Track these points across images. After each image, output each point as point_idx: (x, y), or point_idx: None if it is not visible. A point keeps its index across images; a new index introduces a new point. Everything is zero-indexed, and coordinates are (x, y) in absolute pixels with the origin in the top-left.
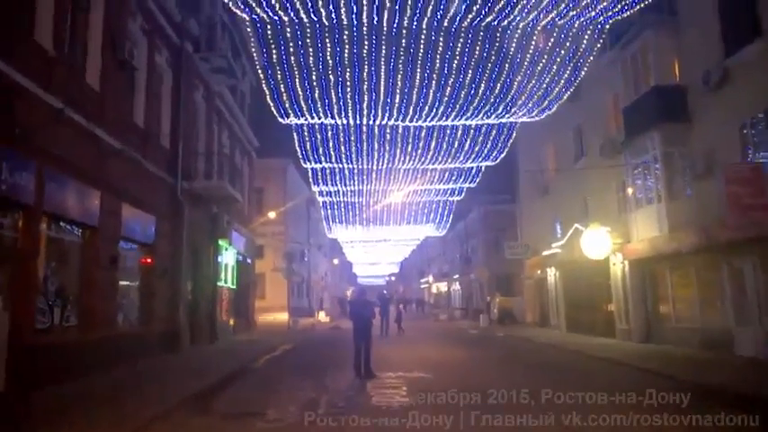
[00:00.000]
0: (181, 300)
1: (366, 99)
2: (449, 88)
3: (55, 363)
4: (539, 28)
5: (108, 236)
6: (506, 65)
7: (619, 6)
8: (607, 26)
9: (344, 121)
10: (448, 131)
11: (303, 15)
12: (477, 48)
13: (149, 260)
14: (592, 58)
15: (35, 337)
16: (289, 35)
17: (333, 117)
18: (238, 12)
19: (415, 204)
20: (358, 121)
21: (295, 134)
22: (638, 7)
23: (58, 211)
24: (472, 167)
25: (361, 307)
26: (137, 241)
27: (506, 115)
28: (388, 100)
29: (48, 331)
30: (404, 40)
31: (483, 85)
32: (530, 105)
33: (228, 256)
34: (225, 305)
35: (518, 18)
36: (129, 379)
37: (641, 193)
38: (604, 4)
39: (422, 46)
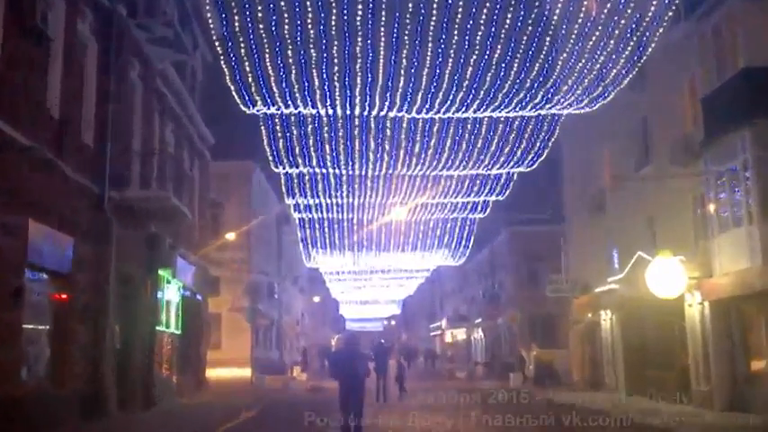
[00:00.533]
0: (106, 349)
1: (359, 82)
2: (470, 68)
3: None
4: None
5: (8, 262)
6: (547, 38)
7: None
8: None
9: (330, 112)
10: (468, 126)
11: None
12: (509, 16)
13: (65, 296)
14: (661, 30)
15: None
16: None
17: (314, 106)
18: None
19: (424, 224)
20: (348, 112)
21: (264, 128)
22: None
23: None
24: (500, 175)
25: (348, 361)
26: (48, 270)
27: (547, 105)
28: (390, 83)
29: None
30: (410, 4)
31: (516, 64)
32: (578, 93)
33: (172, 292)
34: (166, 357)
35: None
36: None
37: (726, 212)
38: None
39: (434, 11)
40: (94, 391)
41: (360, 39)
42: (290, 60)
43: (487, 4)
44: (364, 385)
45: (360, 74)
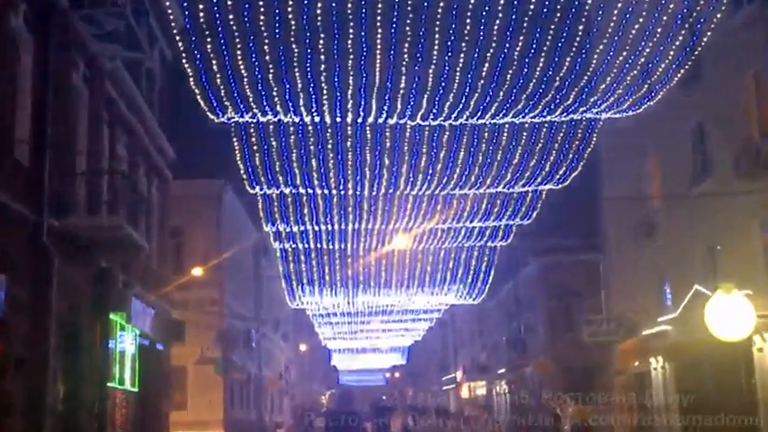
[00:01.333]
0: (47, 411)
1: (352, 83)
2: (487, 65)
3: None
4: None
5: None
6: (581, 27)
7: None
8: None
9: (317, 119)
10: (485, 135)
11: None
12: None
13: None
14: (718, 17)
15: None
16: None
17: (297, 112)
18: None
19: (434, 255)
20: (339, 119)
21: (236, 140)
22: None
23: None
24: (526, 194)
25: (343, 423)
26: None
27: (581, 109)
28: (389, 84)
29: None
30: None
31: (542, 59)
32: (619, 93)
33: (126, 340)
34: (120, 420)
35: None
36: None
37: None
38: None
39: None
40: None
41: (352, 30)
42: (268, 58)
43: None
44: None
45: (352, 73)
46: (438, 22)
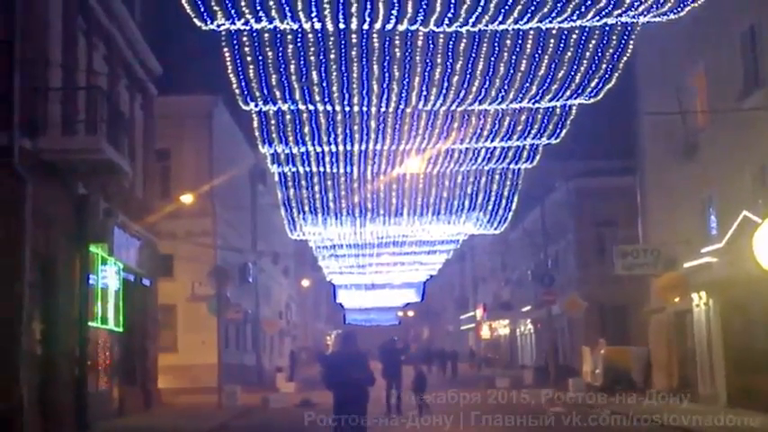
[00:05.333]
0: (22, 354)
1: None
2: None
3: None
4: None
5: None
6: None
7: None
8: None
9: (318, 26)
10: (508, 42)
11: None
12: None
13: None
14: None
15: None
16: None
17: (296, 18)
18: None
19: (450, 179)
20: (342, 25)
21: (227, 51)
22: None
23: None
24: (554, 109)
25: (346, 366)
26: None
27: (615, 12)
28: None
29: None
30: None
31: None
32: None
33: (109, 275)
34: (104, 364)
35: None
36: None
37: None
38: None
39: None
40: (8, 412)
41: None
42: None
43: None
44: (367, 397)
45: None
46: None
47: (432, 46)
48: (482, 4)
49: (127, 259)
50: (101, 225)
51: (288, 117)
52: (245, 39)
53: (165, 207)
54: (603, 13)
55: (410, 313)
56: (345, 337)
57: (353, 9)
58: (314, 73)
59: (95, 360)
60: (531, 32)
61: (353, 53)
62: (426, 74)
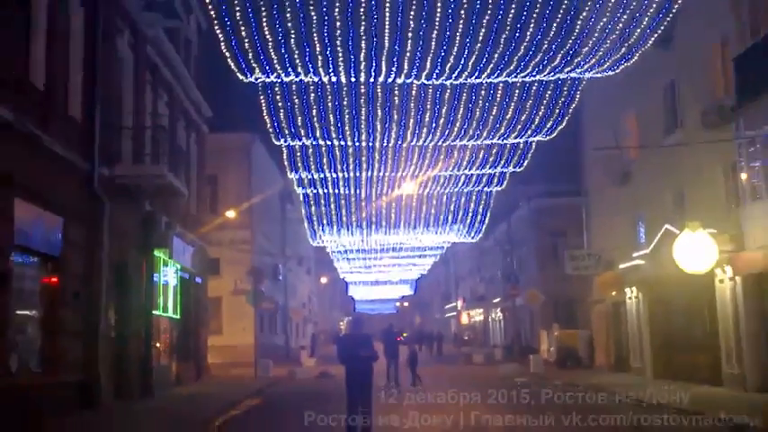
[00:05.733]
0: (100, 336)
1: (364, 46)
2: (483, 29)
3: None
4: None
5: None
6: None
7: None
8: None
9: (333, 79)
10: (483, 93)
11: None
12: None
13: (55, 280)
14: None
15: None
16: None
17: (316, 73)
18: None
19: (437, 198)
20: (353, 79)
21: (263, 98)
22: None
23: None
24: (518, 144)
25: (355, 345)
26: (37, 252)
27: (567, 69)
28: (397, 48)
29: None
30: None
31: (533, 24)
32: (600, 54)
33: (169, 274)
34: (164, 343)
35: None
36: None
37: (760, 180)
38: None
39: None
40: (88, 380)
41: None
42: (290, 24)
43: None
44: (372, 370)
45: (364, 37)
46: None
47: (422, 95)
48: (461, 63)
49: (183, 262)
50: (163, 235)
51: (310, 150)
52: (276, 89)
53: (213, 220)
54: (557, 69)
55: (405, 304)
56: (354, 322)
57: (362, 66)
58: (330, 115)
59: (158, 341)
60: (501, 85)
61: (361, 100)
62: (418, 117)
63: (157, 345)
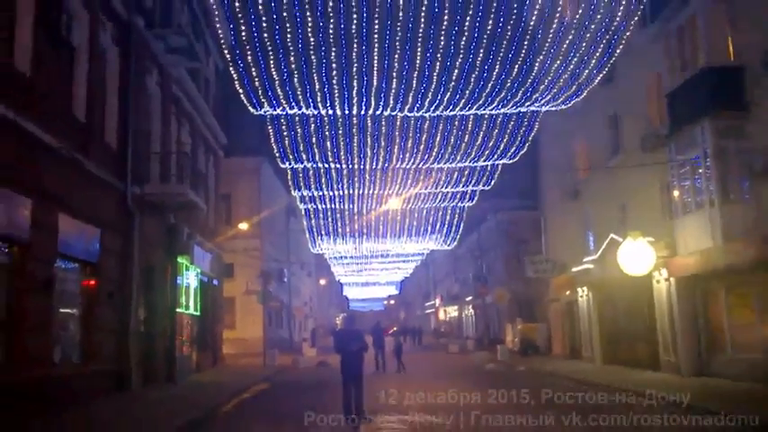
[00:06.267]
0: (131, 331)
1: (356, 84)
2: (456, 70)
3: None
4: None
5: (41, 253)
6: (525, 41)
7: None
8: None
9: (330, 112)
10: (456, 123)
11: None
12: (490, 21)
13: (93, 282)
14: (629, 33)
15: None
16: (261, 7)
17: (316, 106)
18: None
19: (418, 212)
20: (347, 111)
21: (270, 128)
22: None
23: None
24: (486, 167)
25: (349, 338)
26: (77, 259)
27: (526, 103)
28: (383, 85)
29: None
30: (401, 13)
31: (498, 66)
32: (555, 91)
33: (190, 277)
34: (186, 336)
35: None
36: (67, 430)
37: (689, 196)
38: None
39: (423, 18)
40: (120, 369)
41: (355, 44)
42: (293, 66)
43: (470, 12)
44: (363, 358)
45: (356, 77)
46: (420, 39)
47: (405, 125)
48: (438, 98)
49: (202, 266)
50: (185, 244)
51: (311, 172)
52: (282, 120)
53: (228, 231)
54: (518, 104)
55: (392, 302)
56: (348, 319)
57: (354, 101)
58: (327, 142)
59: (180, 334)
60: (471, 117)
61: (354, 130)
62: (402, 143)
63: (180, 338)
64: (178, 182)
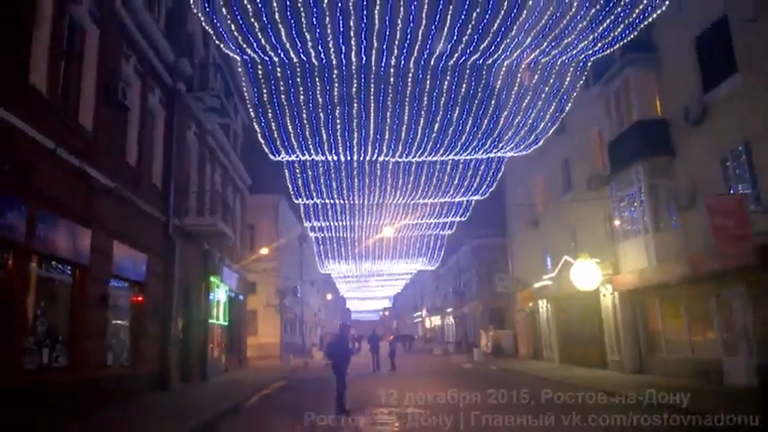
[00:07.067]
0: (171, 338)
1: (356, 136)
2: (437, 124)
3: (43, 404)
4: (523, 65)
5: (98, 274)
6: (493, 101)
7: (600, 44)
8: (588, 64)
9: (335, 158)
10: (437, 166)
11: (293, 56)
12: (464, 85)
13: (140, 298)
14: (576, 93)
15: (23, 378)
16: (279, 75)
17: (323, 154)
18: (230, 53)
19: (407, 239)
20: (348, 158)
21: (287, 171)
22: (617, 45)
23: (48, 250)
24: (462, 201)
25: (337, 349)
26: (128, 279)
27: (494, 150)
28: (378, 136)
29: (36, 372)
30: (392, 79)
31: (470, 120)
32: (517, 140)
33: (220, 293)
34: (216, 342)
35: (503, 56)
36: (120, 420)
37: (628, 225)
38: (585, 43)
39: (409, 84)
40: (162, 370)
41: (355, 104)
42: (305, 121)
43: (448, 78)
44: (348, 361)
45: (356, 130)
46: (407, 99)
47: (396, 169)
48: (422, 146)
49: (230, 284)
50: (216, 266)
51: (319, 206)
52: (296, 165)
53: (251, 255)
54: (488, 150)
55: (386, 313)
56: (339, 331)
57: (355, 149)
58: (333, 182)
59: (212, 341)
60: (450, 161)
61: (354, 172)
62: (394, 183)
63: (212, 344)
64: (211, 215)
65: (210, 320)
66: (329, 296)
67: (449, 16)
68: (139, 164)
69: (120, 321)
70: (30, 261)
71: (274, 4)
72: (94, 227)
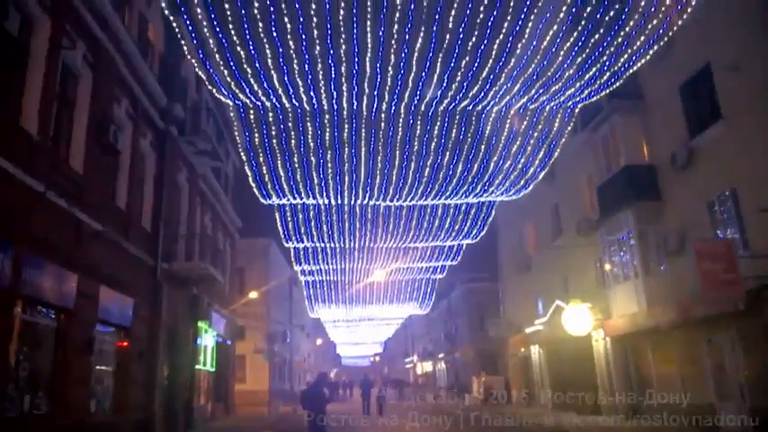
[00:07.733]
0: (156, 385)
1: (347, 180)
2: (427, 169)
3: None
4: (512, 112)
5: (84, 319)
6: (483, 146)
7: (587, 91)
8: (576, 110)
9: (326, 202)
10: (428, 210)
11: (285, 101)
12: (454, 130)
13: (126, 344)
14: (564, 139)
15: (2, 426)
16: (271, 119)
17: (314, 197)
18: (222, 97)
19: (398, 283)
20: (339, 202)
21: (277, 214)
22: (604, 93)
23: (33, 294)
24: (453, 245)
25: (312, 398)
26: (114, 324)
27: (484, 194)
28: (369, 180)
29: (15, 421)
30: (383, 124)
31: (461, 165)
32: (507, 185)
33: (208, 339)
34: (203, 389)
35: (492, 102)
36: None
37: (618, 270)
38: (572, 90)
39: (400, 129)
40: (147, 417)
41: (346, 149)
42: (296, 165)
43: (438, 124)
44: (322, 410)
45: (347, 174)
46: (398, 144)
47: (387, 212)
48: (413, 191)
49: (218, 329)
50: (204, 310)
51: (310, 250)
52: (286, 208)
53: (241, 299)
54: (479, 195)
55: (377, 358)
56: (317, 379)
57: (345, 193)
58: (324, 226)
59: (199, 387)
60: (440, 206)
61: (345, 215)
62: (384, 226)
63: (198, 391)
64: (201, 259)
65: (197, 366)
66: (319, 341)
67: (438, 64)
68: (129, 207)
69: (104, 367)
70: (14, 305)
71: (267, 51)
72: (81, 271)
